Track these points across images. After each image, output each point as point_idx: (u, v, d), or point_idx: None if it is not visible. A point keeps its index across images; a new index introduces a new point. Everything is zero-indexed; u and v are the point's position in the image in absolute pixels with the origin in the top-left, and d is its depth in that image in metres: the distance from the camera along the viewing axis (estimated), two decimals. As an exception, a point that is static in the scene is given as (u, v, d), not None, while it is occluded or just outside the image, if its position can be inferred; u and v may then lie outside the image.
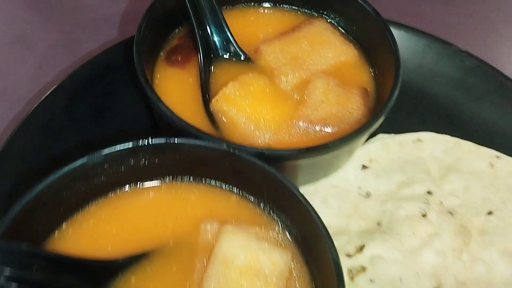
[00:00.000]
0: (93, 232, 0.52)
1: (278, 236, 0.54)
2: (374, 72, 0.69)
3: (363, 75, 0.69)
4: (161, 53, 0.68)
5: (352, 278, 0.58)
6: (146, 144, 0.52)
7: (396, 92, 0.61)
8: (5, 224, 0.45)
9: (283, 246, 0.53)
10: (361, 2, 0.69)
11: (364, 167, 0.68)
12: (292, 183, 0.51)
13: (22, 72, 0.78)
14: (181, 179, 0.57)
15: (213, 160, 0.54)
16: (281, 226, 0.54)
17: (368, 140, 0.70)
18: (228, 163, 0.54)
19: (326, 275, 0.48)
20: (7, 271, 0.41)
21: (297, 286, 0.51)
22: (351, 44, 0.71)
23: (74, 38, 0.83)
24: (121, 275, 0.50)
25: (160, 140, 0.53)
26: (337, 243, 0.58)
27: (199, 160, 0.54)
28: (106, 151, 0.51)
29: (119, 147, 0.51)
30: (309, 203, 0.50)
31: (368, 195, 0.66)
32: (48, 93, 0.68)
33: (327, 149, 0.56)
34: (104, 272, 0.49)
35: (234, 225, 0.52)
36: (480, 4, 0.96)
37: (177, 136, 0.53)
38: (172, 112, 0.57)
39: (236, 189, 0.56)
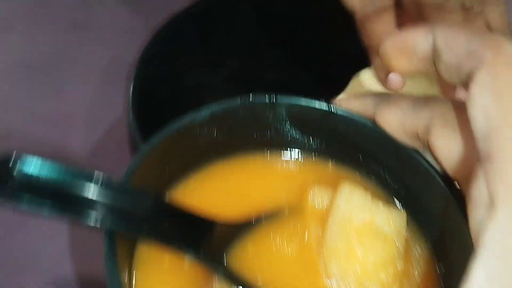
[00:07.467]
0: (196, 199, 0.47)
1: (387, 198, 0.52)
2: None
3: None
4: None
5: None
6: (250, 101, 0.49)
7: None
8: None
9: (394, 207, 0.51)
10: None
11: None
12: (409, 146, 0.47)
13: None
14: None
15: (311, 122, 0.51)
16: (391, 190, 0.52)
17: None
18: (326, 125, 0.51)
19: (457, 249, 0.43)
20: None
21: (416, 247, 0.49)
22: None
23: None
24: (236, 241, 0.46)
25: (262, 98, 0.49)
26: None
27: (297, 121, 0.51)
28: (213, 107, 0.48)
29: (227, 102, 0.48)
30: (432, 167, 0.45)
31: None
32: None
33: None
34: (218, 236, 0.45)
35: (351, 184, 0.49)
36: None
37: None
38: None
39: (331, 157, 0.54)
